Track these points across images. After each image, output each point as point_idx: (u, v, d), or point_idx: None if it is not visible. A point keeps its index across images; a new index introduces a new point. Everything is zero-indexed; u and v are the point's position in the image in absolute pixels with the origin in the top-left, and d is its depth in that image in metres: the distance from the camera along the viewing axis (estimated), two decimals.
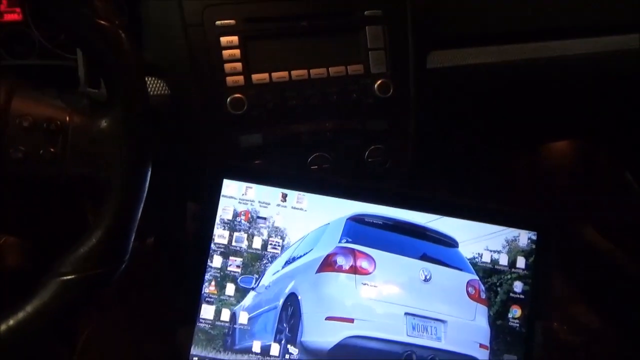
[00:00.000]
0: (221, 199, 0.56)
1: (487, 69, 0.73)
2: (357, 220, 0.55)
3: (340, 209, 0.55)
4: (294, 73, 0.62)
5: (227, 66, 0.60)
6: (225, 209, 0.56)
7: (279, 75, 0.61)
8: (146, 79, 0.51)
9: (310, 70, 0.62)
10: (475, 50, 0.72)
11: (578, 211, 1.13)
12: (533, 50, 0.75)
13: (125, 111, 0.41)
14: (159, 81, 0.61)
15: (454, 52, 0.71)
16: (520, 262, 0.55)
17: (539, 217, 0.48)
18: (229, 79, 0.60)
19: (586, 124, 0.95)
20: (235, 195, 0.57)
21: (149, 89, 0.59)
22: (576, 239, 1.13)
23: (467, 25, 0.72)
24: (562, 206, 1.13)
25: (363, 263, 0.56)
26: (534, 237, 0.51)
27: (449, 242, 0.56)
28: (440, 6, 0.70)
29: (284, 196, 0.57)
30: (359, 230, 0.56)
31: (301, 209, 0.57)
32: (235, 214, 0.57)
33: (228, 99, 0.60)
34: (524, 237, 0.52)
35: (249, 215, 0.57)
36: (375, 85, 0.64)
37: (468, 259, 0.56)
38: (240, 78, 0.60)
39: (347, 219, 0.55)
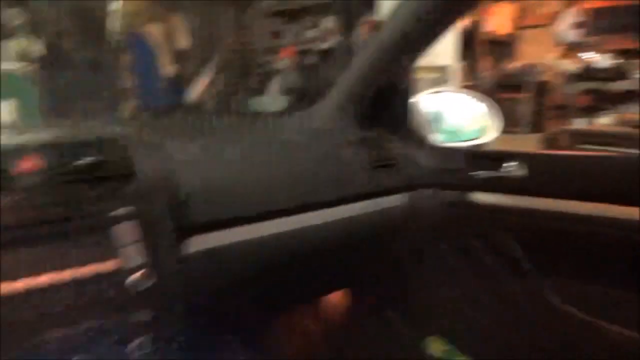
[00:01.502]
0: None
1: (243, 246, 0.77)
2: None
3: None
4: (36, 281, 0.57)
5: None
6: None
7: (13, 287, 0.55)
8: None
9: (57, 275, 0.58)
10: (233, 230, 0.76)
11: None
12: (287, 223, 0.82)
13: None
14: None
15: (212, 235, 0.73)
16: None
17: None
18: None
19: (350, 278, 1.09)
20: None
21: None
22: None
23: (217, 212, 0.74)
24: None
25: None
26: None
27: None
28: (191, 198, 0.71)
29: None
30: None
31: None
32: None
33: None
34: None
35: None
36: (133, 278, 0.62)
37: None
38: None
39: None
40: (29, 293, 0.56)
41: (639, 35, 2.96)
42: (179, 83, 3.55)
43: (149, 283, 0.63)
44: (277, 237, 0.81)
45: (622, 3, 2.94)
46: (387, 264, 1.09)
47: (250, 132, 0.95)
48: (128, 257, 0.62)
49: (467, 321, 1.04)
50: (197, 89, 4.00)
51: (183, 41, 3.37)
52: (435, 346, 1.10)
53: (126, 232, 0.63)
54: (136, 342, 0.63)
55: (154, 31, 3.37)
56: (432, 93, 1.23)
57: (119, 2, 3.43)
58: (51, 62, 3.59)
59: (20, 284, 0.56)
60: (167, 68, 3.33)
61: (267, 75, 4.20)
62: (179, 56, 3.45)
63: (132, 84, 3.55)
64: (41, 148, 0.61)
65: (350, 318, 1.20)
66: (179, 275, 0.67)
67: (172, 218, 0.67)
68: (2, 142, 0.59)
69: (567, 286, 0.90)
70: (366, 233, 0.96)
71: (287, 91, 3.98)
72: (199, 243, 0.72)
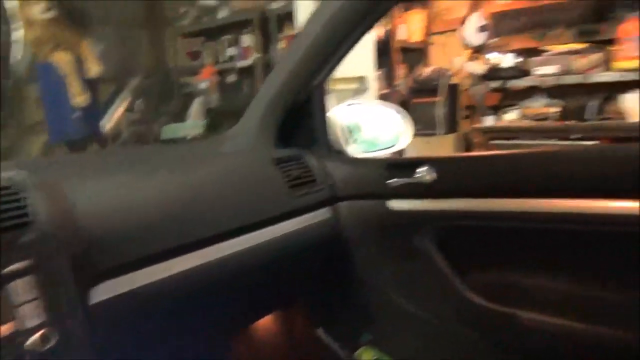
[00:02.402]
0: None
1: (160, 285, 0.71)
2: None
3: None
4: None
5: None
6: None
7: None
8: None
9: None
10: (143, 271, 0.70)
11: None
12: (207, 254, 0.78)
13: None
14: None
15: (122, 279, 0.68)
16: None
17: None
18: None
19: (281, 299, 1.08)
20: None
21: None
22: None
23: (125, 255, 0.69)
24: None
25: None
26: None
27: None
28: (96, 242, 0.65)
29: None
30: None
31: None
32: None
33: None
34: None
35: None
36: (32, 340, 0.56)
37: None
38: None
39: None
40: None
41: (536, 35, 3.22)
42: (93, 113, 3.38)
43: (52, 343, 0.57)
44: (199, 270, 0.77)
45: (517, 7, 3.18)
46: (316, 280, 1.09)
47: (163, 162, 0.91)
48: (25, 317, 0.57)
49: (396, 327, 1.06)
50: (112, 118, 3.84)
51: (94, 68, 3.22)
52: (366, 355, 1.11)
53: (22, 289, 0.57)
54: None
55: (62, 60, 3.20)
56: (346, 106, 1.26)
57: (20, 30, 3.23)
58: None
59: None
60: (79, 98, 3.16)
61: (188, 98, 4.12)
62: (91, 84, 3.30)
63: (42, 117, 3.35)
64: None
65: (283, 339, 1.19)
66: (87, 329, 0.62)
67: (75, 267, 0.62)
68: None
69: (484, 281, 0.94)
70: (292, 252, 0.95)
71: (209, 113, 3.92)
72: (109, 289, 0.67)
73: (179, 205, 0.78)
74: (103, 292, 0.65)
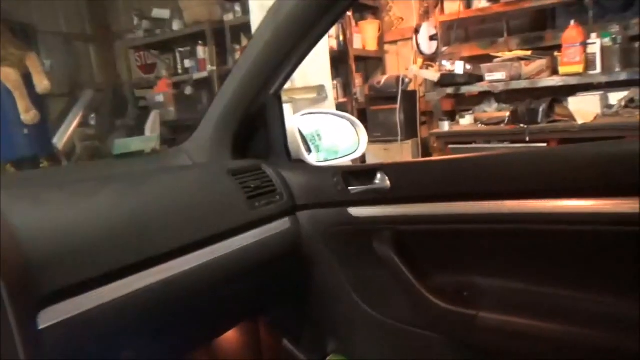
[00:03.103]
0: None
1: (117, 303, 0.69)
2: None
3: None
4: None
5: None
6: None
7: None
8: None
9: None
10: (98, 291, 0.67)
11: None
12: (166, 270, 0.76)
13: None
14: None
15: (75, 300, 0.64)
16: None
17: None
18: None
19: (244, 312, 1.08)
20: None
21: None
22: None
23: (75, 276, 0.65)
24: None
25: None
26: None
27: None
28: (36, 265, 0.61)
29: None
30: None
31: None
32: None
33: None
34: None
35: None
36: None
37: None
38: None
39: None
40: None
41: (483, 43, 3.34)
42: (44, 129, 3.26)
43: None
44: (158, 287, 0.74)
45: (463, 16, 3.29)
46: (279, 290, 1.08)
47: (113, 177, 0.88)
48: None
49: (362, 333, 1.06)
50: (65, 134, 3.71)
51: (43, 83, 3.11)
52: None
53: None
54: None
55: (7, 75, 3.07)
56: (304, 115, 1.26)
57: None
58: None
59: None
60: (27, 114, 3.04)
61: (144, 111, 4.03)
62: (41, 100, 3.18)
63: None
64: None
65: (249, 352, 1.17)
66: (34, 355, 0.58)
67: (15, 294, 0.58)
68: None
69: (444, 284, 0.95)
70: (253, 263, 0.94)
71: (166, 126, 3.85)
72: (61, 312, 0.62)
73: (131, 222, 0.75)
74: (54, 315, 0.62)
